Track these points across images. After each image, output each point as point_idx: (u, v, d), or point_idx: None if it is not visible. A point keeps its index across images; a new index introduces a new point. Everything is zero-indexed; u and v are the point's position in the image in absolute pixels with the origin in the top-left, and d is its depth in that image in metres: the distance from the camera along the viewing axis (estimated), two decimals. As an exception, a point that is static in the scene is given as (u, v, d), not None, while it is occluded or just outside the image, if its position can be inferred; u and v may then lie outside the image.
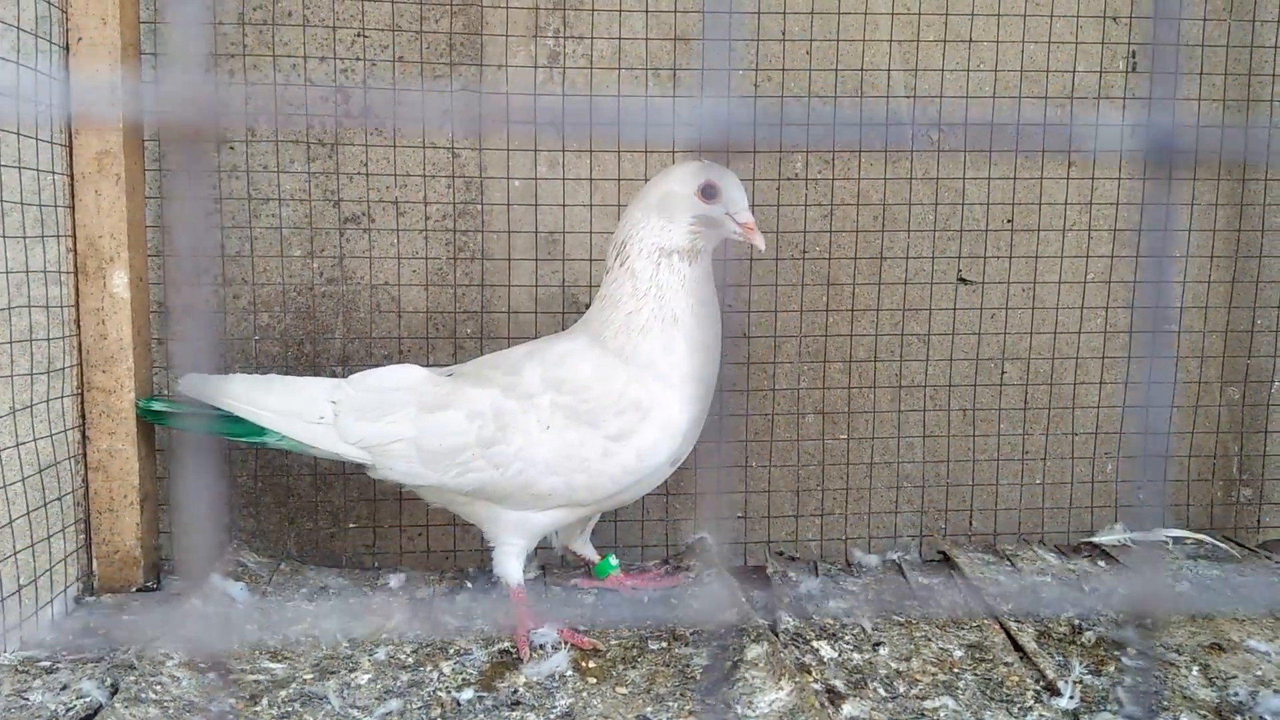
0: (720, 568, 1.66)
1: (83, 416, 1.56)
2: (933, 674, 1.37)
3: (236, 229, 1.71)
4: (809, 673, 1.33)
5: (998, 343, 1.85)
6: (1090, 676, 1.37)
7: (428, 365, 1.59)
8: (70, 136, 1.51)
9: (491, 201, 1.75)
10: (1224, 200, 1.89)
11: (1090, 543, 1.87)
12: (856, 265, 1.83)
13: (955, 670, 1.38)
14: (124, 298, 1.56)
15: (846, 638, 1.47)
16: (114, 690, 1.22)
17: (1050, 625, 1.52)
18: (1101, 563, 1.79)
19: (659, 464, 1.44)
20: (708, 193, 1.40)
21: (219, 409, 1.46)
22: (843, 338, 1.82)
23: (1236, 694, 1.31)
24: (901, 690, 1.32)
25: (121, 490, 1.59)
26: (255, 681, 1.28)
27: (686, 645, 1.40)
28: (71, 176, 1.52)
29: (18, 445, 1.40)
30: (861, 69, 1.79)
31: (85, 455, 1.57)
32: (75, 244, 1.53)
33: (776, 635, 1.43)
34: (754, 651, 1.33)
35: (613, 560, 1.63)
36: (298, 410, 1.46)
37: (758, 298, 1.82)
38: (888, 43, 1.80)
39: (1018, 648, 1.45)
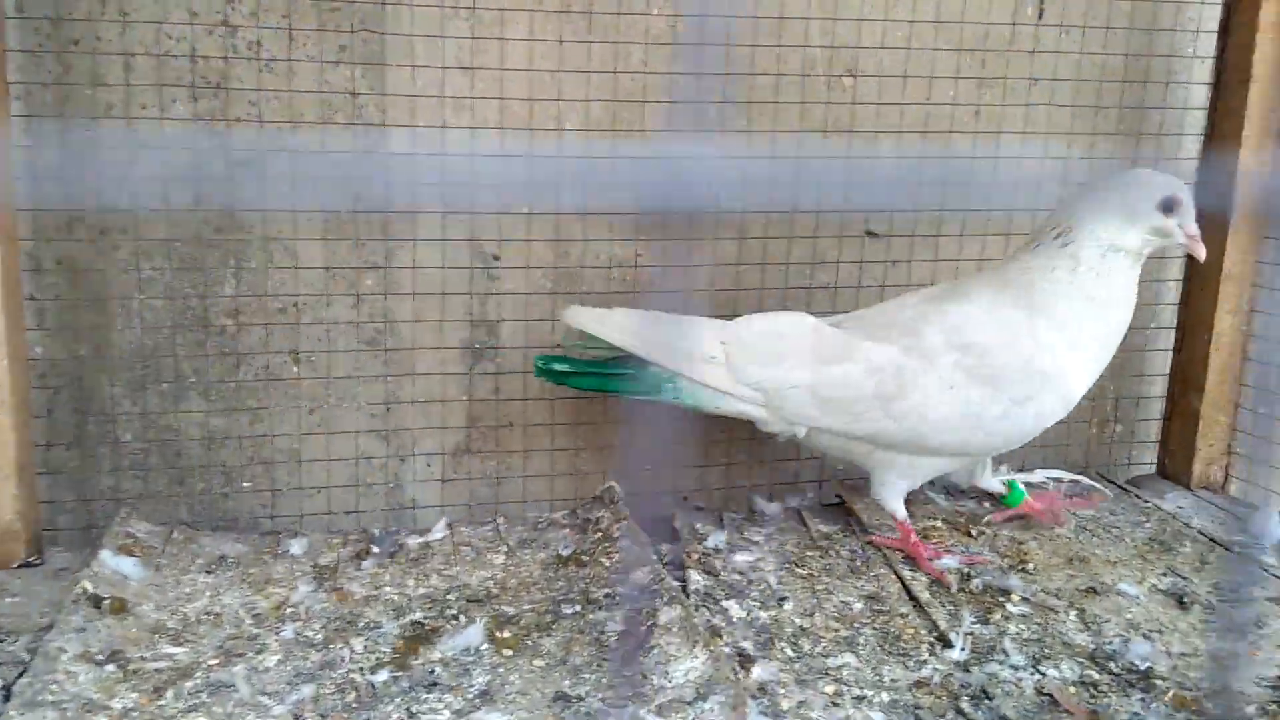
0: (630, 521, 1.68)
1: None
2: (835, 630, 1.43)
3: (115, 175, 1.59)
4: (720, 636, 1.38)
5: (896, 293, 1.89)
6: (979, 626, 1.45)
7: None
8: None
9: (394, 149, 1.67)
10: (1120, 154, 1.95)
11: (974, 485, 1.96)
12: (768, 219, 1.83)
13: (856, 625, 1.45)
14: (-13, 257, 1.44)
15: (753, 594, 1.51)
16: (6, 695, 1.16)
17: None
18: (986, 504, 1.89)
19: (1051, 425, 1.57)
20: (1169, 207, 1.48)
21: (612, 369, 1.57)
22: (753, 290, 1.82)
23: (1110, 641, 1.41)
24: (806, 649, 1.38)
25: (-5, 460, 1.50)
26: (157, 671, 1.25)
27: (600, 609, 1.42)
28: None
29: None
30: (780, 15, 1.75)
31: (-46, 426, 1.46)
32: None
33: (688, 595, 1.47)
34: (668, 615, 1.36)
35: (1020, 486, 1.75)
36: (688, 349, 1.55)
37: (667, 247, 1.80)
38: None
39: (912, 598, 1.53)
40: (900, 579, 1.58)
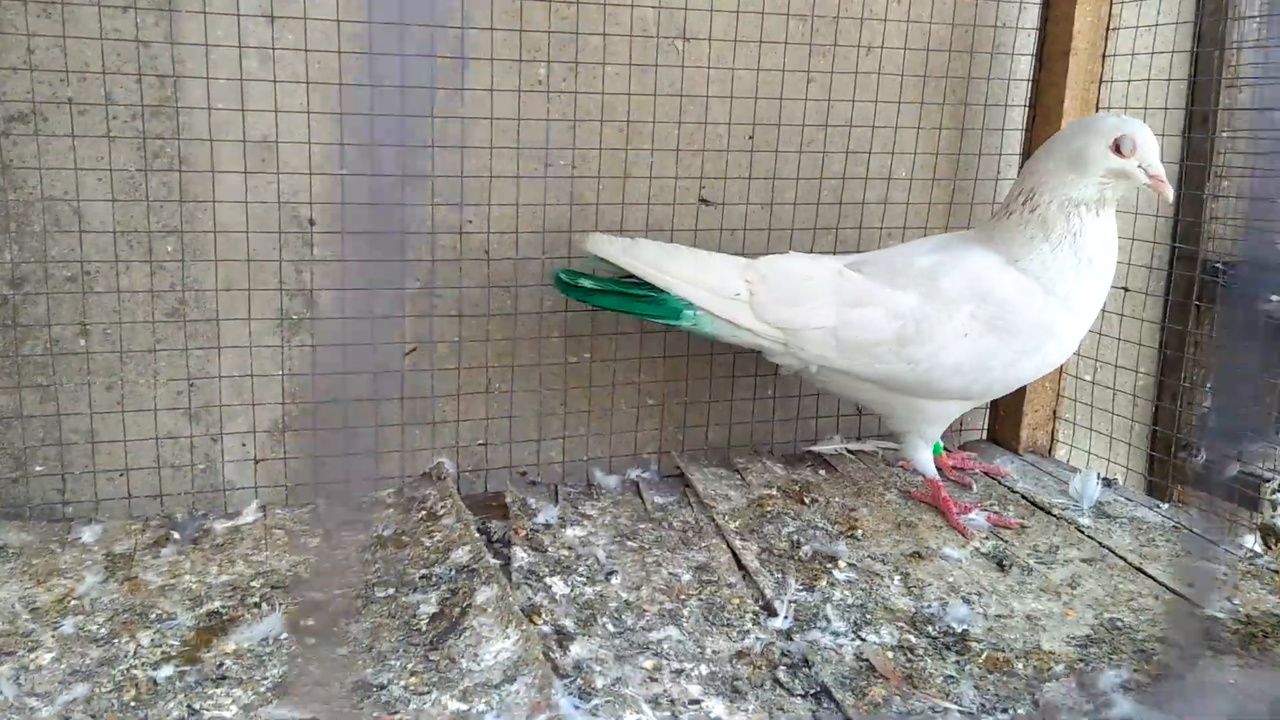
0: (456, 498, 1.62)
1: None
2: (660, 603, 1.40)
3: None
4: (539, 614, 1.33)
5: (736, 261, 1.87)
6: (804, 593, 1.44)
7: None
8: None
9: (190, 104, 1.54)
10: (948, 123, 1.97)
11: (812, 451, 1.97)
12: (600, 184, 1.77)
13: (682, 597, 1.42)
14: None
15: (580, 569, 1.47)
16: None
17: (772, 541, 1.59)
18: (822, 471, 1.89)
19: (1045, 375, 1.70)
20: (1123, 147, 1.49)
21: (634, 288, 1.56)
22: (587, 259, 1.77)
23: (930, 605, 1.43)
24: (629, 623, 1.34)
25: None
26: (-93, 676, 1.12)
27: (415, 591, 1.36)
28: None
29: None
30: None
31: None
32: None
33: (509, 575, 1.42)
34: (484, 595, 1.31)
35: (939, 442, 1.80)
36: (712, 285, 1.56)
37: (498, 215, 1.73)
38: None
39: (741, 567, 1.51)
40: (731, 548, 1.56)
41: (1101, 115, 1.60)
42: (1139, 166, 1.51)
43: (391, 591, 1.36)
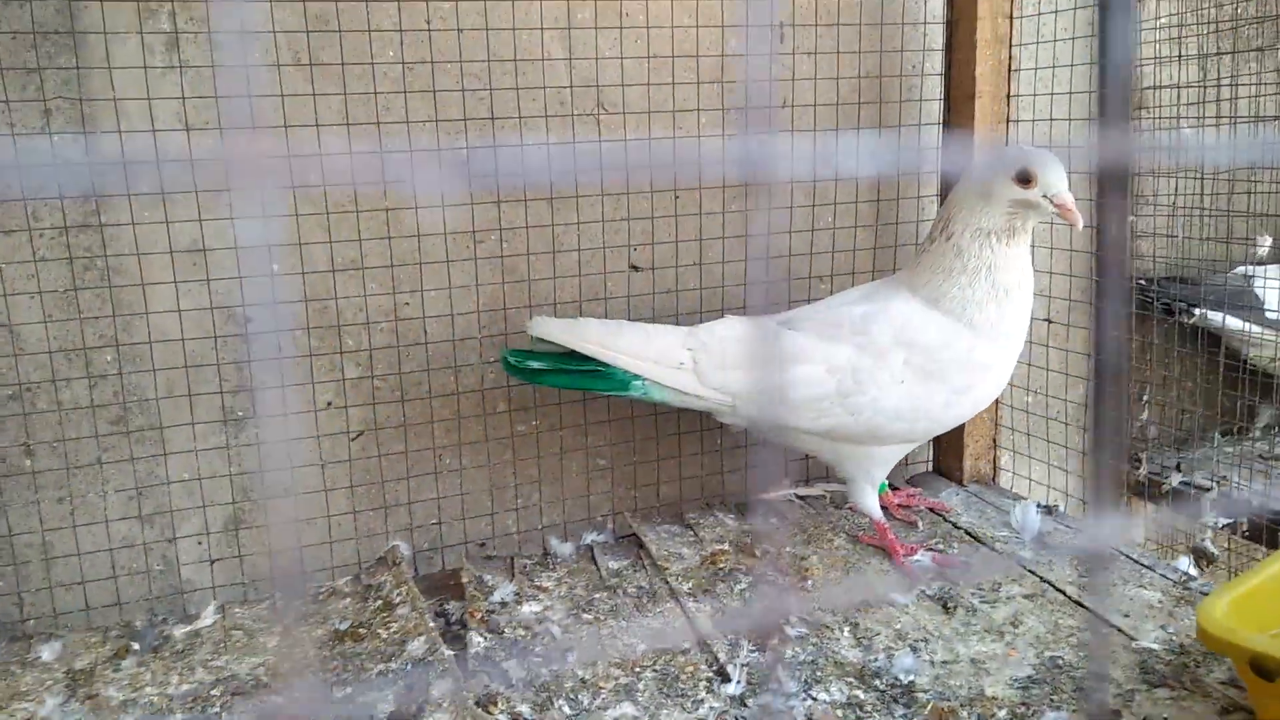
0: (411, 585, 1.64)
1: None
2: (615, 678, 1.43)
3: None
4: (495, 703, 1.35)
5: (670, 322, 1.91)
6: (756, 654, 1.48)
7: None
8: None
9: (115, 220, 1.56)
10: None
11: (762, 500, 2.01)
12: (531, 259, 1.81)
13: (637, 670, 1.45)
14: None
15: (537, 649, 1.50)
16: None
17: (725, 600, 1.63)
18: (773, 519, 1.93)
19: (983, 409, 1.76)
20: (1024, 179, 1.53)
21: (580, 365, 1.61)
22: (522, 335, 1.81)
23: (877, 657, 1.47)
24: (585, 703, 1.37)
25: None
26: None
27: (373, 689, 1.38)
28: None
29: None
30: (513, 27, 1.73)
31: None
32: None
33: (465, 663, 1.44)
34: (440, 689, 1.34)
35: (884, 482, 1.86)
36: (657, 356, 1.62)
37: (432, 299, 1.76)
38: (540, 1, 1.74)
39: (695, 631, 1.55)
40: (685, 612, 1.60)
41: (1009, 148, 1.66)
42: (1044, 197, 1.54)
43: (350, 691, 1.38)
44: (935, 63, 2.02)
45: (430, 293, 1.76)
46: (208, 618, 1.60)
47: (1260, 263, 2.22)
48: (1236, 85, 2.30)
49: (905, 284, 1.69)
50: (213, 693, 1.40)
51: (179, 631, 1.57)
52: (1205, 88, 2.26)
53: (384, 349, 1.75)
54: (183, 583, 1.68)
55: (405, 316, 1.75)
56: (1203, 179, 2.26)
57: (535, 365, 1.64)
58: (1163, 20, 2.25)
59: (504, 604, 1.63)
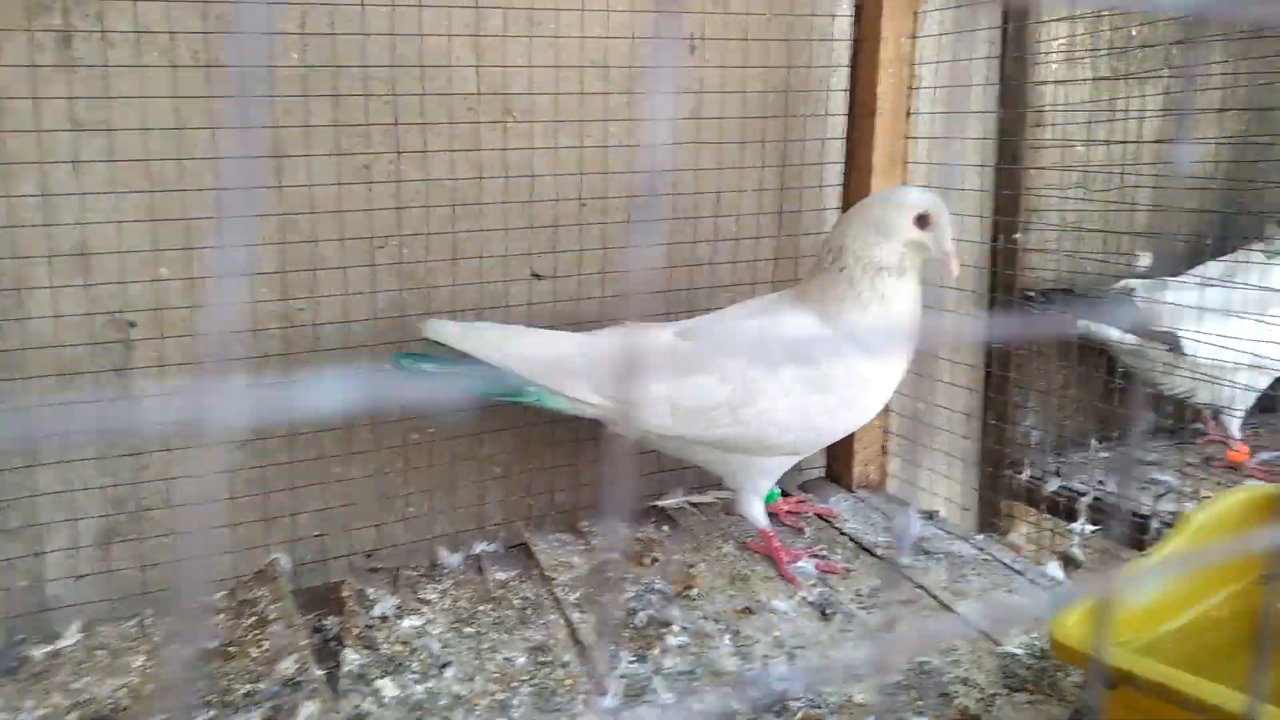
0: (288, 600, 1.61)
1: None
2: (492, 694, 1.42)
3: None
4: (363, 724, 1.34)
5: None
6: (636, 664, 1.49)
7: None
8: None
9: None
10: (770, 184, 2.05)
11: (656, 506, 2.02)
12: (429, 266, 1.79)
13: (514, 684, 1.45)
14: None
15: (413, 665, 1.49)
16: None
17: (610, 610, 1.63)
18: (665, 527, 1.95)
19: (864, 430, 1.83)
20: (922, 222, 1.58)
21: (474, 368, 1.57)
22: (419, 343, 1.79)
23: (755, 665, 1.49)
24: None
25: None
26: None
27: (237, 712, 1.35)
28: None
29: None
30: (420, 33, 1.70)
31: None
32: None
33: (336, 683, 1.42)
34: (307, 711, 1.31)
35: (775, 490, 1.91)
36: (551, 363, 1.61)
37: (327, 305, 1.73)
38: (447, 7, 1.72)
39: (578, 642, 1.55)
40: (569, 623, 1.60)
41: (907, 190, 1.70)
42: (934, 239, 1.62)
43: (213, 714, 1.35)
44: (841, 78, 2.05)
45: (325, 299, 1.73)
46: (70, 637, 1.55)
47: (1141, 276, 2.30)
48: (1129, 107, 2.39)
49: (800, 299, 1.72)
50: (68, 717, 1.36)
51: (38, 652, 1.51)
52: (1097, 108, 2.34)
53: (274, 356, 1.71)
54: (48, 600, 1.63)
55: (298, 323, 1.72)
56: (1084, 199, 2.33)
57: (428, 369, 1.62)
58: (1060, 42, 2.32)
59: (384, 618, 1.61)
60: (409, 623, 1.60)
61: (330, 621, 1.62)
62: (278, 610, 1.57)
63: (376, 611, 1.63)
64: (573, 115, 1.85)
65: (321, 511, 1.80)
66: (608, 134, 1.88)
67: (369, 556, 1.84)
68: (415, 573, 1.78)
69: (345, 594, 1.67)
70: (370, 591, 1.69)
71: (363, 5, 1.66)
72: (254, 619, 1.56)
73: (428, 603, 1.67)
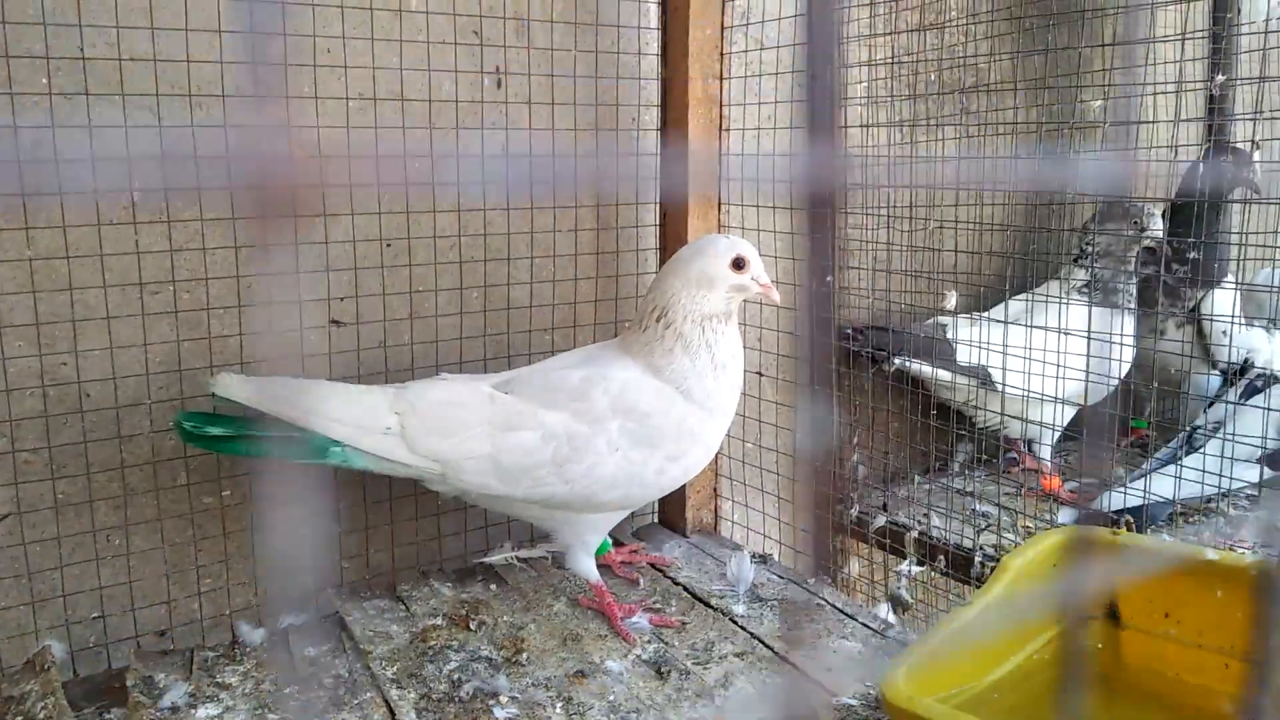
0: (59, 695, 1.42)
1: None
2: (298, 790, 1.28)
3: None
4: (145, 840, 1.17)
5: (380, 380, 1.79)
6: (462, 744, 1.38)
7: None
8: None
9: None
10: (586, 224, 2.00)
11: (483, 563, 1.92)
12: (213, 314, 1.63)
13: (324, 777, 1.31)
14: None
15: (207, 763, 1.33)
16: None
17: (432, 684, 1.51)
18: (493, 585, 1.84)
19: (696, 476, 1.75)
20: (739, 265, 1.60)
21: (273, 431, 1.47)
22: (206, 399, 1.63)
23: (586, 735, 1.41)
24: (259, 825, 1.22)
25: None
26: None
27: (-12, 840, 1.16)
28: None
29: None
30: (188, 93, 1.56)
31: None
32: None
33: (112, 793, 1.25)
34: (74, 832, 1.14)
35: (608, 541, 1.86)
36: (360, 420, 1.49)
37: (91, 361, 1.54)
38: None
39: (397, 722, 1.43)
40: (387, 702, 1.47)
41: (715, 238, 1.69)
42: (751, 279, 1.63)
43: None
44: (652, 118, 2.02)
45: (91, 353, 1.54)
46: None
47: (950, 313, 2.39)
48: (930, 146, 2.48)
49: (625, 351, 1.68)
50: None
51: None
52: (901, 152, 2.42)
53: (32, 418, 1.51)
54: None
55: (60, 380, 1.53)
56: (890, 246, 2.41)
57: (216, 431, 1.47)
58: (863, 84, 2.39)
59: (175, 709, 1.44)
60: (204, 712, 1.43)
61: (112, 715, 1.43)
62: (48, 707, 1.37)
63: (166, 701, 1.45)
64: (369, 150, 1.74)
65: (99, 590, 1.60)
66: (411, 169, 1.78)
67: (162, 635, 1.66)
68: (213, 653, 1.61)
69: (130, 682, 1.48)
70: (159, 678, 1.51)
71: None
72: (21, 719, 1.36)
73: (226, 687, 1.51)
